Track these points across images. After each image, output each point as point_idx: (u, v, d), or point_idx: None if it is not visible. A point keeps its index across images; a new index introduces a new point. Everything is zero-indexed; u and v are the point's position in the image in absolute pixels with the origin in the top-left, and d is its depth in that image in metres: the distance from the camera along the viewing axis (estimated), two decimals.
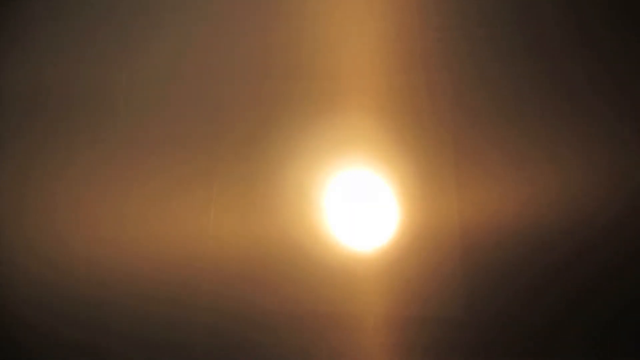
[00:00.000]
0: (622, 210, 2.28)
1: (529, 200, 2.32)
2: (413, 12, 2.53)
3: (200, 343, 2.38)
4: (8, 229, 2.56)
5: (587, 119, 2.37)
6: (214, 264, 2.44)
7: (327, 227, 2.44)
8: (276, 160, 2.50)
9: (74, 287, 2.46)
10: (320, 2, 2.59)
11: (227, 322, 2.39)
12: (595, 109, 2.38)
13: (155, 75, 2.63)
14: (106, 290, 2.44)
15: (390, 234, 2.39)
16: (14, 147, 2.63)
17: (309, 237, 2.43)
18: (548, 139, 2.38)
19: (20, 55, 2.71)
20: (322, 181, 2.47)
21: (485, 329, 2.28)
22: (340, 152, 2.48)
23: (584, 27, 2.43)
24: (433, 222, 2.36)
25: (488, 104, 2.42)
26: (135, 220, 2.49)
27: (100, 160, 2.57)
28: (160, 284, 2.42)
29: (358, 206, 2.44)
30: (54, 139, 2.62)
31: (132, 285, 2.43)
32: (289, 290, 2.40)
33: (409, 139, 2.45)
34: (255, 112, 2.55)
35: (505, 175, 2.36)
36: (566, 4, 2.45)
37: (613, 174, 2.32)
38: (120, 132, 2.58)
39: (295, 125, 2.52)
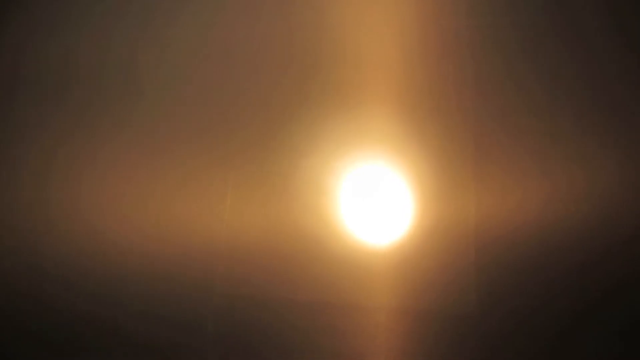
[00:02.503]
0: None
1: (549, 200, 2.30)
2: (437, 2, 2.51)
3: (212, 326, 2.39)
4: (33, 210, 2.56)
5: (616, 115, 2.33)
6: (228, 251, 2.44)
7: (342, 219, 2.43)
8: (294, 152, 2.50)
9: (95, 266, 2.47)
10: None
11: (240, 308, 2.39)
12: (625, 104, 2.33)
13: (178, 64, 2.62)
14: (125, 270, 2.45)
15: (405, 228, 2.39)
16: (41, 130, 2.63)
17: (324, 228, 2.42)
18: (574, 135, 2.34)
19: (47, 35, 2.70)
20: (339, 173, 2.46)
21: (497, 326, 2.27)
22: (358, 144, 2.47)
23: (617, 15, 2.37)
24: (449, 217, 2.35)
25: (512, 98, 2.40)
26: (154, 205, 2.50)
27: (124, 146, 2.57)
28: (176, 266, 2.43)
29: (374, 199, 2.44)
30: (80, 123, 2.62)
31: (149, 266, 2.44)
32: (302, 279, 2.40)
33: (429, 133, 2.43)
34: (275, 103, 2.55)
35: (526, 172, 2.34)
36: None
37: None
38: (144, 118, 2.58)
39: (313, 117, 2.51)
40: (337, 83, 2.51)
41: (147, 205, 2.51)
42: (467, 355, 2.27)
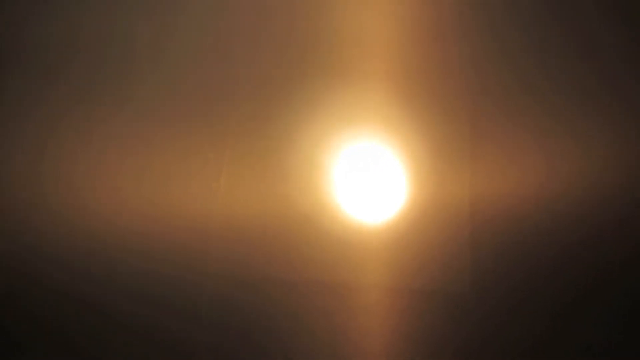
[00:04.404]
0: None
1: (546, 179, 2.29)
2: None
3: (205, 307, 2.38)
4: (27, 188, 2.56)
5: (614, 93, 2.32)
6: (222, 230, 2.43)
7: (336, 198, 2.42)
8: (288, 130, 2.49)
9: (87, 245, 2.46)
10: None
11: (234, 288, 2.39)
12: (624, 84, 2.32)
13: (176, 43, 2.61)
14: (118, 249, 2.44)
15: (401, 206, 2.38)
16: (36, 106, 2.63)
17: (318, 207, 2.42)
18: (570, 114, 2.33)
19: (46, 10, 2.69)
20: (335, 151, 2.46)
21: (492, 305, 2.27)
22: (353, 123, 2.46)
23: None
24: (445, 196, 2.35)
25: (508, 77, 2.39)
26: (148, 183, 2.49)
27: (119, 124, 2.56)
28: (170, 246, 2.42)
29: (369, 178, 2.43)
30: (76, 100, 2.61)
31: (142, 246, 2.43)
32: (297, 259, 2.39)
33: (425, 111, 2.43)
34: (271, 82, 2.54)
35: (522, 152, 2.33)
36: None
37: (638, 154, 2.27)
38: (141, 96, 2.58)
39: (309, 96, 2.50)
40: (334, 62, 2.50)
41: (142, 184, 2.50)
42: (462, 335, 2.26)
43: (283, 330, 2.35)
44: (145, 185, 2.50)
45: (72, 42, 2.65)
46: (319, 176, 2.43)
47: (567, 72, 2.38)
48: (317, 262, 2.37)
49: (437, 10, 2.47)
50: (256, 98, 2.53)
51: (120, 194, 2.51)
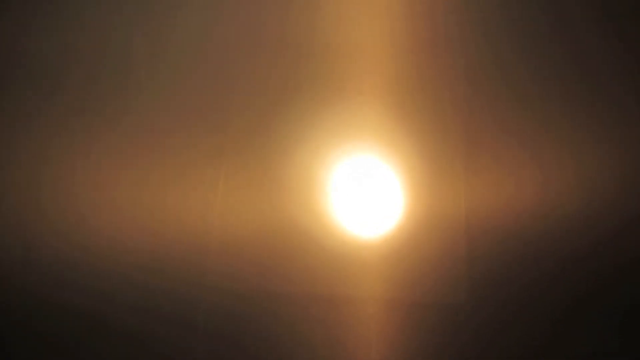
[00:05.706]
0: None
1: (541, 191, 2.31)
2: None
3: (203, 319, 2.38)
4: (25, 202, 2.56)
5: (607, 105, 2.34)
6: (220, 244, 2.44)
7: (333, 211, 2.43)
8: (285, 144, 2.49)
9: (85, 259, 2.46)
10: None
11: (231, 301, 2.39)
12: (616, 93, 2.34)
13: (172, 56, 2.62)
14: (115, 263, 2.44)
15: (397, 219, 2.39)
16: (34, 121, 2.63)
17: (315, 221, 2.42)
18: (565, 127, 2.35)
19: (43, 25, 2.70)
20: (330, 165, 2.46)
21: (489, 317, 2.27)
22: (349, 136, 2.47)
23: (607, 7, 2.38)
24: (441, 208, 2.36)
25: (502, 90, 2.40)
26: (146, 197, 2.49)
27: (117, 138, 2.56)
28: (167, 258, 2.42)
29: (365, 191, 2.44)
30: (74, 114, 2.61)
31: (140, 259, 2.43)
32: (293, 272, 2.39)
33: (420, 125, 2.44)
34: (267, 95, 2.55)
35: (517, 164, 2.34)
36: None
37: (633, 164, 2.28)
38: (138, 110, 2.58)
39: (305, 109, 2.51)
40: (330, 76, 2.51)
41: (139, 198, 2.50)
42: (459, 347, 2.27)
43: (280, 343, 2.35)
44: (142, 198, 2.50)
45: (69, 55, 2.65)
46: (316, 189, 2.44)
47: (562, 84, 2.39)
48: (314, 274, 2.38)
49: (432, 23, 2.48)
50: (253, 111, 2.53)
51: (117, 206, 2.51)
